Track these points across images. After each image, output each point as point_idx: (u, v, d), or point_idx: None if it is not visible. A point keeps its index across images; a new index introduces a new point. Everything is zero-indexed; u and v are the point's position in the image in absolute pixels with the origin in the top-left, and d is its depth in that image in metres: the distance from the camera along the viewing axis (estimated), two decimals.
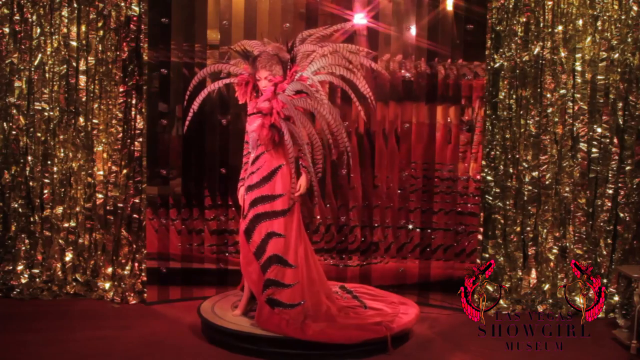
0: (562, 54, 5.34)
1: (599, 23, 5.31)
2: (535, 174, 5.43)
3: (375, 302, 4.79)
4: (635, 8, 5.25)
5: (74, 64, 5.54)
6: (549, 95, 5.37)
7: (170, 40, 5.37)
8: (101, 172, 5.57)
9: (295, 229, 4.41)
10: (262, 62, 4.37)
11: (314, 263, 4.58)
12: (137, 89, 5.53)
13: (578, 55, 5.33)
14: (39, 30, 5.49)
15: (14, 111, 5.55)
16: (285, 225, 4.37)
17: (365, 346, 4.28)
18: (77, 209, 5.61)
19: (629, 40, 5.28)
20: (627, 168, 5.33)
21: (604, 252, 5.38)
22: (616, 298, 5.26)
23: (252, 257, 4.40)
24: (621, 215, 5.34)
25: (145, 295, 5.40)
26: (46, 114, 5.54)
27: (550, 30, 5.35)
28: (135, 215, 5.56)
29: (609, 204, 5.36)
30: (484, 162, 5.48)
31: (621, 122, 5.33)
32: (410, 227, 5.53)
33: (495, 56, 5.45)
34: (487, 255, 5.51)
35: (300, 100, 4.29)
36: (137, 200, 5.55)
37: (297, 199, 4.45)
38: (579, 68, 5.33)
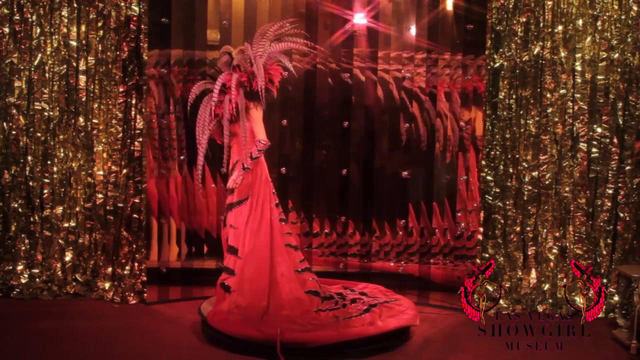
0: (562, 54, 5.34)
1: (598, 23, 5.31)
2: (535, 173, 5.43)
3: (368, 315, 4.58)
4: (635, 8, 5.25)
5: (74, 64, 5.54)
6: (548, 95, 5.37)
7: (170, 40, 5.37)
8: (101, 172, 5.57)
9: (246, 221, 4.60)
10: (217, 66, 4.82)
11: (281, 261, 4.63)
12: (137, 88, 5.52)
13: (578, 55, 5.32)
14: (39, 30, 5.49)
15: (14, 111, 5.55)
16: (236, 216, 4.66)
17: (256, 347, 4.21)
18: (77, 209, 5.61)
19: (629, 40, 5.28)
20: (627, 168, 5.33)
21: (604, 252, 5.38)
22: (616, 298, 5.26)
23: (225, 242, 4.76)
24: (621, 215, 5.34)
25: (145, 295, 5.40)
26: (46, 114, 5.54)
27: (550, 30, 5.35)
28: (135, 215, 5.55)
29: (609, 204, 5.36)
30: (484, 162, 5.48)
31: (621, 122, 5.33)
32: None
33: (495, 56, 5.45)
34: (487, 255, 5.50)
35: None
36: (137, 200, 5.55)
37: (232, 192, 4.66)
38: (579, 68, 5.33)
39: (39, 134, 5.55)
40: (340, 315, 4.54)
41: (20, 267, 5.53)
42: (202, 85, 4.72)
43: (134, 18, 5.46)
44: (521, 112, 5.44)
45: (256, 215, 4.61)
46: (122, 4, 5.47)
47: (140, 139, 5.51)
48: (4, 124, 5.57)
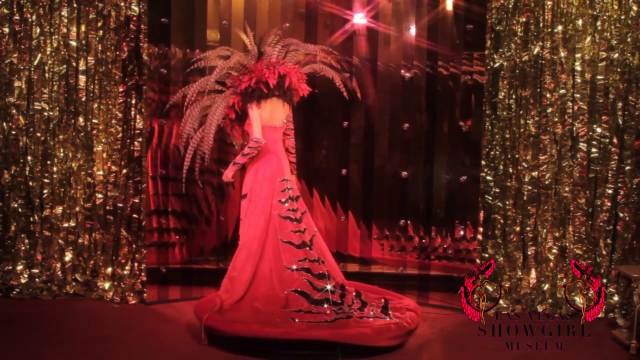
0: (562, 54, 5.34)
1: (598, 23, 5.31)
2: (535, 173, 5.43)
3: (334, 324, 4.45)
4: (635, 8, 5.25)
5: (74, 64, 5.53)
6: (548, 95, 5.37)
7: (170, 40, 5.37)
8: (101, 172, 5.57)
9: (245, 214, 4.72)
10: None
11: (272, 257, 4.62)
12: (136, 89, 5.52)
13: (578, 55, 5.32)
14: (38, 30, 5.49)
15: (14, 111, 5.54)
16: (241, 208, 4.81)
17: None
18: (77, 209, 5.61)
19: (629, 40, 5.28)
20: (627, 168, 5.33)
21: (604, 252, 5.38)
22: (616, 298, 5.26)
23: None
24: (621, 215, 5.34)
25: (145, 295, 5.40)
26: (46, 114, 5.54)
27: (550, 30, 5.35)
28: (134, 215, 5.55)
29: (609, 204, 5.36)
30: (483, 162, 5.48)
31: (621, 122, 5.33)
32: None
33: (495, 56, 5.45)
34: (487, 255, 5.50)
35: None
36: (136, 200, 5.55)
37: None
38: (578, 68, 5.33)
39: (38, 134, 5.55)
40: (307, 319, 4.38)
41: (20, 267, 5.53)
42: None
43: (134, 18, 5.46)
44: (521, 112, 5.44)
45: (253, 210, 4.68)
46: (122, 4, 5.47)
47: (140, 139, 5.51)
48: (4, 124, 5.57)
